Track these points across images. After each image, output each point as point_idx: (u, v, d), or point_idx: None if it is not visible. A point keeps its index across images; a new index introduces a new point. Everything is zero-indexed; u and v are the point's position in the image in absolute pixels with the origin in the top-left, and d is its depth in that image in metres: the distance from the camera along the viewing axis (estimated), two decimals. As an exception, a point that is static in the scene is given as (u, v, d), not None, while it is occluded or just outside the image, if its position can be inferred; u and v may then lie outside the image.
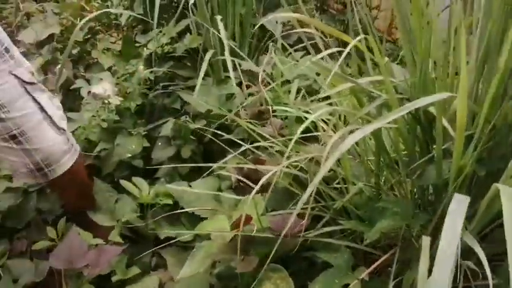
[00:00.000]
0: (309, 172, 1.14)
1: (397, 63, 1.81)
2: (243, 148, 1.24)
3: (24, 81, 1.23)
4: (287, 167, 1.13)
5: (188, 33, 1.93)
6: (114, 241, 1.38)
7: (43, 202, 1.59)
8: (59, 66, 1.82)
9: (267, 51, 2.13)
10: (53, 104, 1.32)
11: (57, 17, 2.05)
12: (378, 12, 2.64)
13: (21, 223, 1.53)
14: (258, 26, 2.02)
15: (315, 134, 1.25)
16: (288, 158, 1.22)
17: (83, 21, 1.65)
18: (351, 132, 0.72)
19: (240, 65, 1.77)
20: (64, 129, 1.34)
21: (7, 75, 1.19)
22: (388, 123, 0.76)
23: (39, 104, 1.26)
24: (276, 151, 1.26)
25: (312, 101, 1.63)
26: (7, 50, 1.21)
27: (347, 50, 0.78)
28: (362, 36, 0.83)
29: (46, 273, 1.26)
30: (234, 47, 1.71)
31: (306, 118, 1.41)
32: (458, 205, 0.63)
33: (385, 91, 0.84)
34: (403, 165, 1.09)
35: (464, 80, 0.71)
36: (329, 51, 0.91)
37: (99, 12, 1.74)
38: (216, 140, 1.58)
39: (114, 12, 1.93)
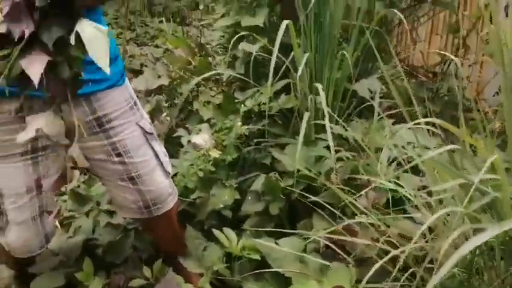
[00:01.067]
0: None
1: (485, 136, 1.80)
2: (344, 223, 1.28)
3: (146, 132, 1.40)
4: (382, 242, 1.17)
5: (284, 93, 2.04)
6: (203, 288, 1.47)
7: (139, 241, 1.72)
8: (164, 115, 1.99)
9: (357, 116, 2.20)
10: (163, 151, 1.48)
11: (166, 68, 2.25)
12: (468, 83, 2.64)
13: (119, 258, 1.66)
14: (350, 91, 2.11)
15: (411, 215, 1.28)
16: (382, 233, 1.26)
17: (194, 81, 1.81)
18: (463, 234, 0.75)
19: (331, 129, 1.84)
20: (170, 174, 1.49)
21: (134, 126, 1.37)
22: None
23: (155, 151, 1.43)
24: (369, 223, 1.30)
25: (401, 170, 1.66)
26: (135, 103, 1.39)
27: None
28: (478, 135, 0.87)
29: (141, 311, 1.36)
30: (331, 113, 1.79)
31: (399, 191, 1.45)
32: None
33: (495, 189, 0.87)
34: (499, 251, 1.09)
35: None
36: (446, 147, 0.95)
37: (209, 74, 1.91)
38: (303, 200, 1.64)
39: (219, 72, 2.09)
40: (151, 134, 1.42)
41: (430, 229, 1.25)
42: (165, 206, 1.47)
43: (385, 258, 1.01)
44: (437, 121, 0.92)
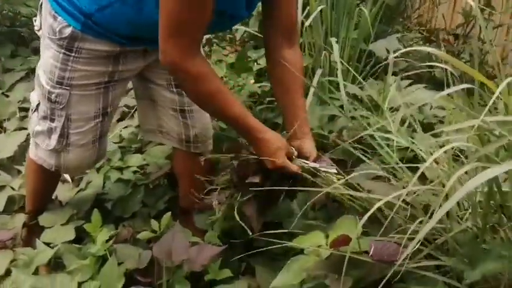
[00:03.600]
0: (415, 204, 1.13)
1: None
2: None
3: None
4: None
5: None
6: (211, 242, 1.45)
7: (149, 197, 1.72)
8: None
9: (372, 76, 2.14)
10: None
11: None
12: (491, 47, 2.54)
13: (128, 213, 1.67)
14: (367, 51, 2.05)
15: (417, 164, 1.24)
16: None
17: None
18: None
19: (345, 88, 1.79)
20: None
21: None
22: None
23: None
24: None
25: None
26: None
27: (493, 98, 0.78)
28: (510, 79, 0.82)
29: (148, 261, 1.35)
30: (348, 68, 1.74)
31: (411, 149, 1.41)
32: None
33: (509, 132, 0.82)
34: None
35: None
36: (459, 87, 0.90)
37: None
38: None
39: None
40: None
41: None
42: (203, 147, 1.54)
43: (380, 203, 0.97)
44: (453, 60, 0.86)
